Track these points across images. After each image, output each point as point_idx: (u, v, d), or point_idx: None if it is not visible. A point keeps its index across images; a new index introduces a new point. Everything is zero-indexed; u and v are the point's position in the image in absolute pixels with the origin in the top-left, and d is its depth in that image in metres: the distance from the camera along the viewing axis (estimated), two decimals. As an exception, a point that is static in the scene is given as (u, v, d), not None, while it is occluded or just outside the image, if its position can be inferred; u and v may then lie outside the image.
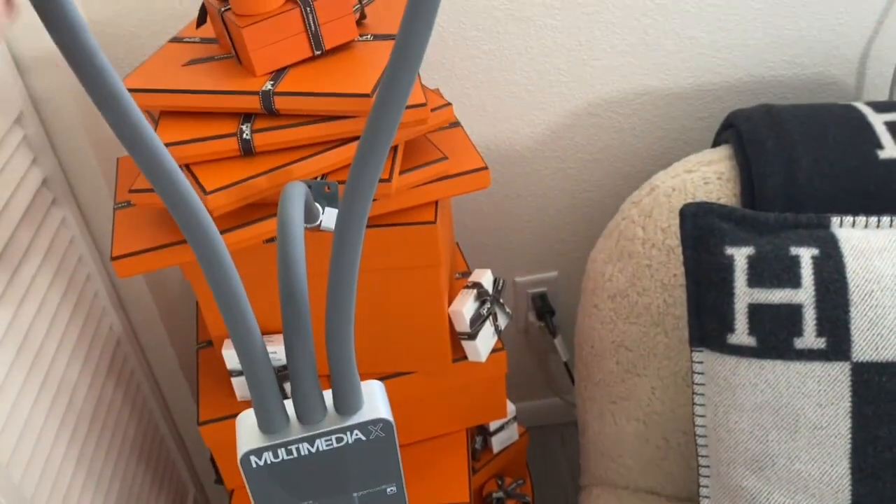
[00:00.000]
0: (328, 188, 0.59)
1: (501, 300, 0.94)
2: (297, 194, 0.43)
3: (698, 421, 0.84)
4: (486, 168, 0.78)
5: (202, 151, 0.69)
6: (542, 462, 1.42)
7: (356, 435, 0.42)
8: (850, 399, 0.76)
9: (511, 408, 1.07)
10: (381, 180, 0.70)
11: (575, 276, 1.30)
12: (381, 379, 0.93)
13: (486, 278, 0.92)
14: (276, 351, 0.86)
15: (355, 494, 0.44)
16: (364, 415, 0.42)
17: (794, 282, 0.76)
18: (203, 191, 0.67)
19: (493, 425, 1.07)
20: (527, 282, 1.29)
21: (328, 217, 0.58)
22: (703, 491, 0.86)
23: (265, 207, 0.72)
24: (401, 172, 0.74)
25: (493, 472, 1.12)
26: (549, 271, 1.30)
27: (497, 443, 1.09)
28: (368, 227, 0.78)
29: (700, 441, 0.85)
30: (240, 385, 0.88)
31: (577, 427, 1.10)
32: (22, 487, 0.78)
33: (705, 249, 0.80)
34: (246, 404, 0.89)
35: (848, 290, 0.75)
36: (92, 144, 0.94)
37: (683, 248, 0.82)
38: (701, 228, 0.81)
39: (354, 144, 0.71)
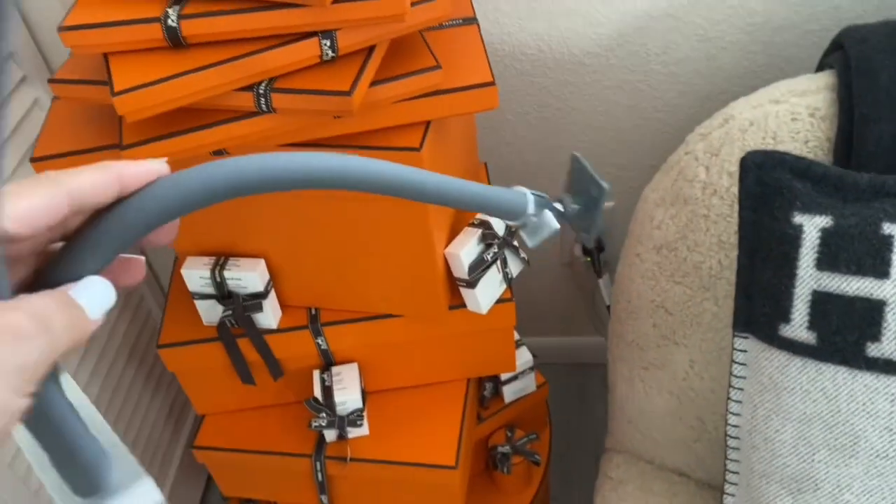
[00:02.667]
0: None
1: (515, 243, 0.78)
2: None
3: (731, 420, 0.69)
4: (492, 84, 0.61)
5: (120, 38, 0.55)
6: (577, 404, 1.29)
7: None
8: (931, 429, 0.58)
9: (525, 357, 0.94)
10: (340, 92, 0.55)
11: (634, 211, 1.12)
12: (369, 319, 0.81)
13: (497, 215, 0.76)
14: (242, 278, 0.74)
15: None
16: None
17: (881, 270, 0.57)
18: (111, 90, 0.53)
19: (504, 374, 0.94)
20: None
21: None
22: (728, 500, 0.71)
23: (208, 114, 0.59)
24: (375, 83, 0.59)
25: (504, 421, 1.00)
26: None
27: (509, 392, 0.96)
28: (337, 146, 0.63)
29: (731, 443, 0.69)
30: (205, 309, 0.78)
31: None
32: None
33: (768, 213, 0.62)
34: (212, 331, 0.79)
35: (954, 291, 0.56)
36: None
37: (741, 208, 0.64)
38: (766, 185, 0.62)
39: (309, 42, 0.55)
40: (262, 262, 0.75)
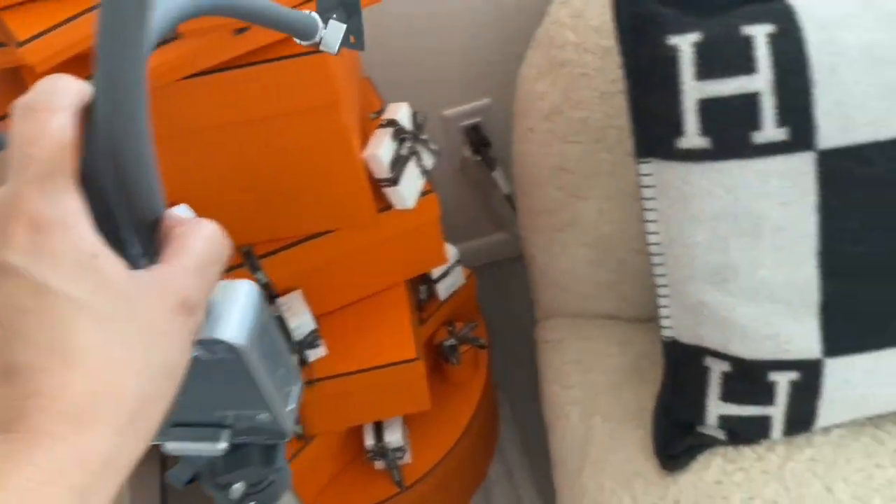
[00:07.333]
0: None
1: (424, 136, 0.82)
2: None
3: (651, 238, 0.77)
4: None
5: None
6: (498, 301, 1.36)
7: (198, 350, 0.31)
8: (815, 192, 0.68)
9: (452, 251, 0.99)
10: None
11: (509, 100, 1.18)
12: (301, 241, 0.83)
13: (402, 113, 0.80)
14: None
15: (227, 412, 0.35)
16: (205, 329, 0.31)
17: (749, 67, 0.66)
18: (16, 43, 0.52)
19: (435, 273, 0.99)
20: (457, 114, 1.18)
21: (332, 32, 0.46)
22: (663, 311, 0.80)
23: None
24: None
25: (443, 319, 1.05)
26: (480, 99, 1.17)
27: (443, 290, 1.01)
28: (242, 66, 0.65)
29: (655, 259, 0.78)
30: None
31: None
32: None
33: (644, 41, 0.69)
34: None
35: (809, 69, 0.65)
36: None
37: (620, 42, 0.70)
38: (638, 17, 0.69)
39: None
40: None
